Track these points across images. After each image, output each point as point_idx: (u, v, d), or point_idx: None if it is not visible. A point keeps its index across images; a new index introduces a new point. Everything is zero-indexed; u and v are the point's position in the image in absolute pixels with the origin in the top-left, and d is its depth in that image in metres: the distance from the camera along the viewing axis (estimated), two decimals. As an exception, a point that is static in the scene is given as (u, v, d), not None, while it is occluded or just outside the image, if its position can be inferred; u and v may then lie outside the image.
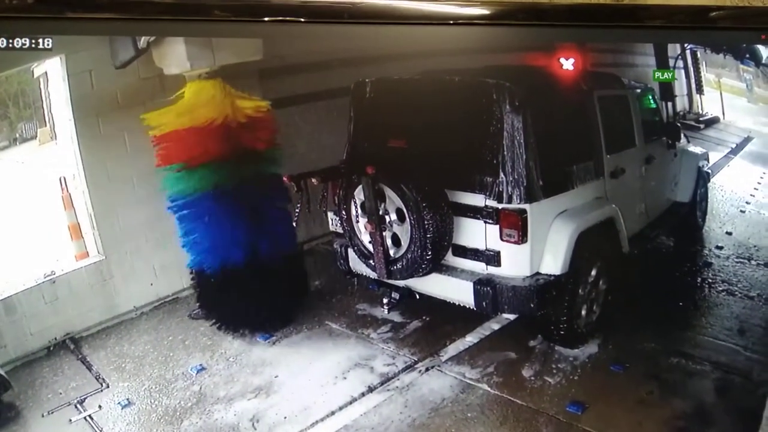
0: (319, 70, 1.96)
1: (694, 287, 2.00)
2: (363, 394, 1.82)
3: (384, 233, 1.86)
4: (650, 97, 2.05)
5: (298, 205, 1.85)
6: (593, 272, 1.91)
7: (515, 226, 1.77)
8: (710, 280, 2.00)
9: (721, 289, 1.97)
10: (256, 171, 1.92)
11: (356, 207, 1.90)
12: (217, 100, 1.85)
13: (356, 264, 2.00)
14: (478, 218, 1.82)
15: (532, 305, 1.80)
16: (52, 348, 1.95)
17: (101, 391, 1.84)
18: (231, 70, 1.82)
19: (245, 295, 1.96)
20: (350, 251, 1.99)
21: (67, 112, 1.85)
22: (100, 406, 1.79)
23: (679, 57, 1.87)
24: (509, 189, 1.77)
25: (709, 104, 2.07)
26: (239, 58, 1.79)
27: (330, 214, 1.99)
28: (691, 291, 2.00)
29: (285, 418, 1.75)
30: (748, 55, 1.85)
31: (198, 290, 2.01)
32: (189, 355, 1.93)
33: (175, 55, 1.79)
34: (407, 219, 1.81)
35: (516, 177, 1.76)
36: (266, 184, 1.93)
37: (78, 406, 1.80)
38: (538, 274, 1.81)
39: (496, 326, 2.00)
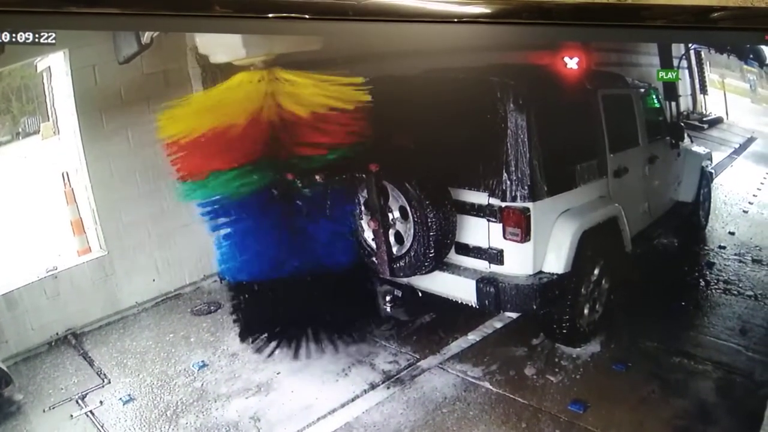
0: (323, 67, 1.94)
1: (696, 287, 2.00)
2: (365, 392, 1.82)
3: (387, 231, 1.86)
4: (654, 97, 2.05)
5: None
6: (596, 271, 1.91)
7: (519, 225, 1.77)
8: (712, 280, 2.00)
9: (723, 288, 1.97)
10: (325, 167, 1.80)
11: (359, 204, 1.90)
12: (271, 92, 1.74)
13: (358, 261, 2.00)
14: (482, 216, 1.82)
15: (534, 304, 1.80)
16: (53, 343, 1.93)
17: (103, 386, 1.83)
18: (286, 59, 1.71)
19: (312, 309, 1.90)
20: (353, 249, 1.99)
21: (70, 106, 1.84)
22: (101, 402, 1.79)
23: (683, 57, 1.87)
24: (513, 187, 1.77)
25: (712, 104, 2.06)
26: (298, 47, 1.67)
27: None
28: (694, 290, 2.00)
29: (286, 415, 1.75)
30: (752, 56, 1.85)
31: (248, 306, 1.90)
32: (191, 352, 1.93)
33: (226, 41, 1.66)
34: (410, 217, 1.81)
35: (520, 175, 1.76)
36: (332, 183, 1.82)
37: (79, 401, 1.79)
38: (541, 272, 1.81)
39: (498, 324, 1.99)
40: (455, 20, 1.55)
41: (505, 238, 1.80)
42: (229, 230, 1.85)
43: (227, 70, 1.82)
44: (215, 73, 1.88)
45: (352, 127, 1.75)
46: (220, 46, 1.70)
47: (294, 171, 1.80)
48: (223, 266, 1.88)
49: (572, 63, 1.73)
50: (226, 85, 1.74)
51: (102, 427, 1.73)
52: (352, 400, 1.80)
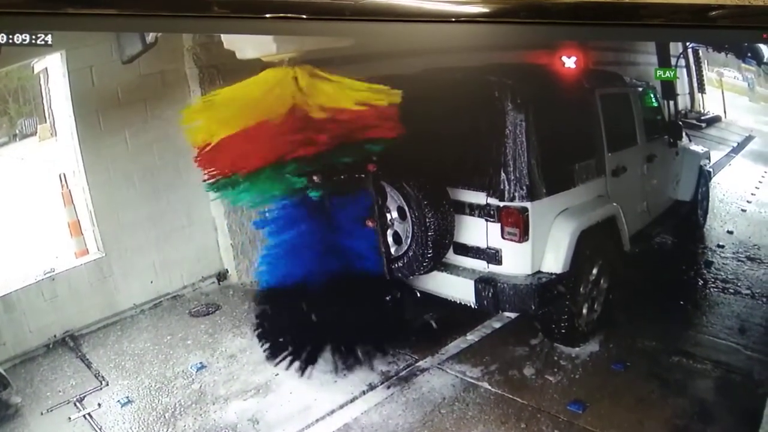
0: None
1: (694, 286, 2.00)
2: (363, 393, 1.81)
3: (385, 231, 1.86)
4: (652, 96, 2.05)
5: None
6: (594, 271, 1.90)
7: (517, 224, 1.77)
8: (711, 279, 1.99)
9: (721, 287, 1.97)
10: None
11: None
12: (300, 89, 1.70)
13: (356, 262, 1.99)
14: (480, 216, 1.81)
15: (533, 304, 1.80)
16: (51, 346, 1.93)
17: (101, 389, 1.83)
18: (315, 57, 1.69)
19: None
20: (351, 249, 1.98)
21: (67, 108, 1.84)
22: (99, 404, 1.79)
23: (681, 55, 1.87)
24: (511, 187, 1.77)
25: (710, 103, 2.06)
26: (330, 44, 1.65)
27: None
28: (692, 290, 2.00)
29: (285, 416, 1.75)
30: (749, 54, 1.85)
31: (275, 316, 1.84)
32: (189, 353, 1.92)
33: (256, 38, 1.64)
34: (408, 217, 1.81)
35: (518, 175, 1.76)
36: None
37: (77, 404, 1.79)
38: (539, 272, 1.81)
39: (497, 324, 1.99)
40: (453, 20, 1.55)
41: (503, 237, 1.79)
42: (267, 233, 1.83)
43: (226, 69, 1.83)
44: (213, 74, 1.88)
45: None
46: (250, 42, 1.68)
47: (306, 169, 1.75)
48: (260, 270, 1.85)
49: (570, 62, 1.72)
50: (253, 82, 1.70)
51: (100, 429, 1.73)
52: (351, 401, 1.79)
